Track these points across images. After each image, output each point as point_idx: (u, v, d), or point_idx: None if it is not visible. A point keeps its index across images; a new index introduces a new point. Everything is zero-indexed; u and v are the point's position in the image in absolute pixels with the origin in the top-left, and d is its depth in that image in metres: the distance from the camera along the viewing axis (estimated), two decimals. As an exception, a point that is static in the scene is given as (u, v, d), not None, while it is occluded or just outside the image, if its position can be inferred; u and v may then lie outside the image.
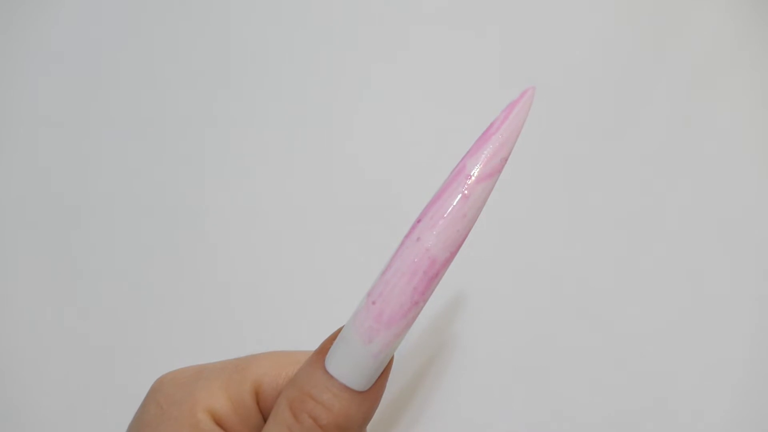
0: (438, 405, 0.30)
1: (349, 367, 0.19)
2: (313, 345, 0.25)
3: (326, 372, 0.19)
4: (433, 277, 0.19)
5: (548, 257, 0.33)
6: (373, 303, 0.19)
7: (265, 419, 0.22)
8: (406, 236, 0.19)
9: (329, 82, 0.38)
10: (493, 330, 0.32)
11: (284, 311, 0.32)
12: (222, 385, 0.21)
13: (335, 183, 0.35)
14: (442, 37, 0.38)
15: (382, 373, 0.20)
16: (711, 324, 0.32)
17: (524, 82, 0.37)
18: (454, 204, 0.19)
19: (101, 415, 0.30)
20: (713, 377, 0.31)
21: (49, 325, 0.32)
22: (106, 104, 0.38)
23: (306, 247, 0.34)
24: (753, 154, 0.34)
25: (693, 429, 0.30)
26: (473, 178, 0.19)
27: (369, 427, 0.21)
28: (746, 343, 0.31)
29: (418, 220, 0.19)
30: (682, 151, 0.35)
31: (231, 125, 0.37)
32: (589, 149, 0.35)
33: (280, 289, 0.33)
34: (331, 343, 0.20)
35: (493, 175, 0.19)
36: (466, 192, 0.19)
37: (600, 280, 0.33)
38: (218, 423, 0.21)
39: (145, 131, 0.37)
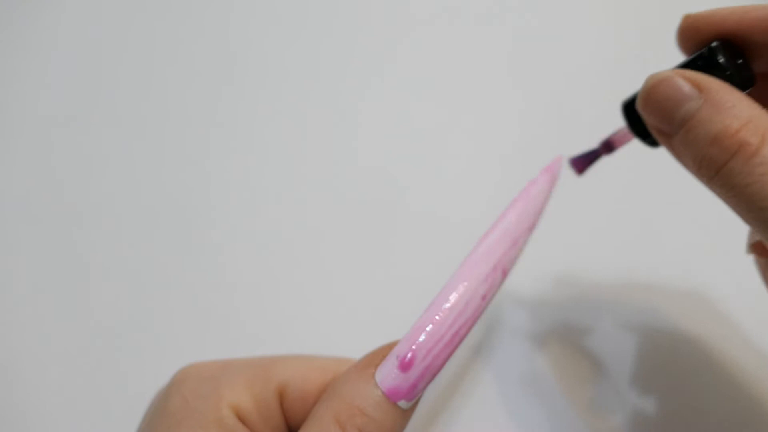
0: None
1: None
2: (317, 344, 0.25)
3: (379, 388, 0.19)
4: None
5: (553, 258, 0.33)
6: None
7: (287, 421, 0.22)
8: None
9: (331, 82, 0.38)
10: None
11: (289, 309, 0.32)
12: (247, 383, 0.21)
13: (338, 180, 0.35)
14: (442, 37, 0.38)
15: None
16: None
17: (524, 81, 0.37)
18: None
19: (103, 415, 0.30)
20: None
21: (52, 323, 0.32)
22: (107, 104, 0.38)
23: (309, 244, 0.34)
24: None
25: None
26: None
27: None
28: None
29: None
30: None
31: (233, 123, 0.37)
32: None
33: (285, 286, 0.33)
34: (380, 359, 0.20)
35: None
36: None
37: (596, 284, 0.33)
38: (241, 419, 0.21)
39: (147, 130, 0.37)
